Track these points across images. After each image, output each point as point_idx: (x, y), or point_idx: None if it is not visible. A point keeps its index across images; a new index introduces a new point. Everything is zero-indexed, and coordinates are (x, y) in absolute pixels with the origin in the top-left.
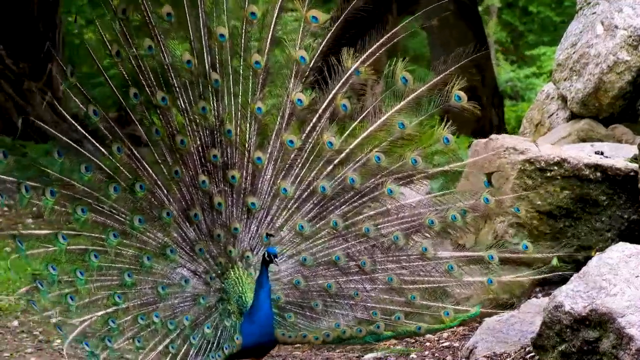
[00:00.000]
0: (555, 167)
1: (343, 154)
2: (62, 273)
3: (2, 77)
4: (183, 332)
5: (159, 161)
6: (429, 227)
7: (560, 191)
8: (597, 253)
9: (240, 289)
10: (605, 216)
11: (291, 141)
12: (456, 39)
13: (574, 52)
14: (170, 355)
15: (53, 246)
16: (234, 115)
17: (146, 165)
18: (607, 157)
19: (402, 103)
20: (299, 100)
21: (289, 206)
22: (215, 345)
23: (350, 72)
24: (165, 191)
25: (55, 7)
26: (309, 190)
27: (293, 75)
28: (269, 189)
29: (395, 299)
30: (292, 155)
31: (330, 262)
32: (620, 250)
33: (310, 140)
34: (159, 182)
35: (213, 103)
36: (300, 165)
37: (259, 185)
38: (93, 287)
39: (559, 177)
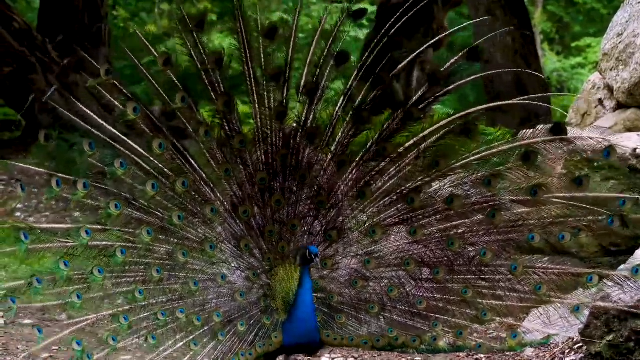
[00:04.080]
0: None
1: (449, 167)
2: (74, 270)
3: (48, 70)
4: (212, 329)
5: (208, 159)
6: (527, 242)
7: (607, 181)
8: None
9: (289, 285)
10: None
11: (385, 148)
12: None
13: (620, 42)
14: (192, 352)
15: (73, 241)
16: (332, 118)
17: (192, 162)
18: None
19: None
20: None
21: (367, 210)
22: (248, 343)
23: None
24: (211, 187)
25: None
26: (395, 197)
27: None
28: (348, 190)
29: (465, 312)
30: (387, 161)
31: (398, 266)
32: None
33: (419, 149)
34: (205, 179)
35: (305, 108)
36: (394, 172)
37: (336, 185)
38: (110, 284)
39: (606, 167)
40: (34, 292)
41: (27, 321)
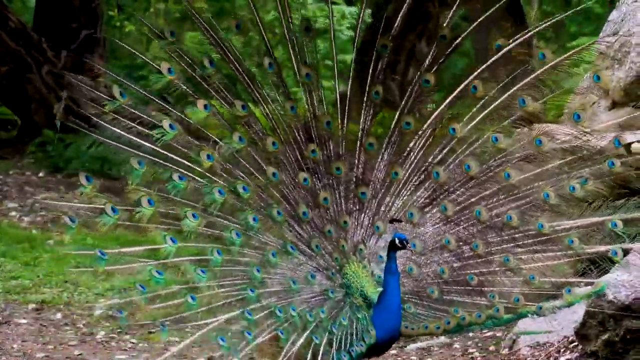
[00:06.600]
0: (597, 156)
1: (459, 137)
2: (171, 278)
3: (44, 69)
4: (322, 324)
5: (251, 167)
6: (544, 201)
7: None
8: None
9: (360, 282)
10: None
11: (408, 123)
12: (497, 27)
13: (615, 41)
14: (313, 345)
15: (156, 260)
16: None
17: (239, 171)
18: None
19: (530, 77)
20: (425, 81)
21: (401, 194)
22: (354, 335)
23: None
24: (267, 193)
25: None
26: (423, 176)
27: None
28: (383, 176)
29: (513, 279)
30: (412, 142)
31: (441, 247)
32: None
33: (430, 124)
34: (258, 185)
35: (307, 97)
36: (417, 150)
37: (371, 173)
38: (216, 287)
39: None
40: (144, 299)
41: (22, 320)
